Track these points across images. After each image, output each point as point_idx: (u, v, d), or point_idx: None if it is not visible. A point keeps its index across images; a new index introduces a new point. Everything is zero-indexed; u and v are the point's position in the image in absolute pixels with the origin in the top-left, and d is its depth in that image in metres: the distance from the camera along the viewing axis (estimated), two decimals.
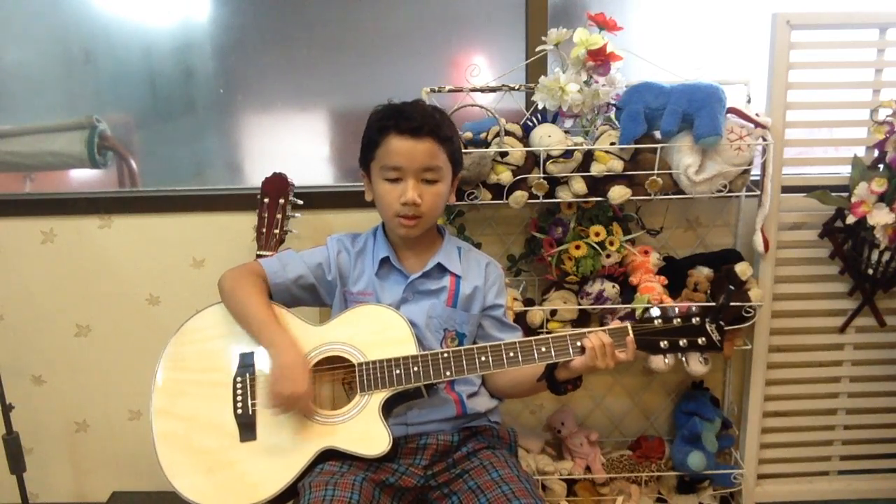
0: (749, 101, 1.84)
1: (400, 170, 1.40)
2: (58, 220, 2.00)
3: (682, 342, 1.28)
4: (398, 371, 1.34)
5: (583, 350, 1.29)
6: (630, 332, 1.29)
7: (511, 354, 1.32)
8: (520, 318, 1.86)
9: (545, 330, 1.87)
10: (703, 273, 1.86)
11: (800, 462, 2.13)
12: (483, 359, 1.33)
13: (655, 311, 1.30)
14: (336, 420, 1.35)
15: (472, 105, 1.82)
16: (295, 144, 2.09)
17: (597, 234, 1.81)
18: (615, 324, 1.32)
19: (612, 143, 1.76)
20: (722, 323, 1.28)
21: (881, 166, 1.80)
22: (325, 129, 2.10)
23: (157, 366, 1.43)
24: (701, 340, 1.28)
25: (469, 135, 1.77)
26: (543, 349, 1.31)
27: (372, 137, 1.43)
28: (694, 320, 1.28)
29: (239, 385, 1.39)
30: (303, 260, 1.50)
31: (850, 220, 1.78)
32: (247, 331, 1.42)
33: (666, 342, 1.28)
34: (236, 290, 1.44)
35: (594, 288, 1.86)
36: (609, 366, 1.28)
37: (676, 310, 1.30)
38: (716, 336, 1.28)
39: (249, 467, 1.34)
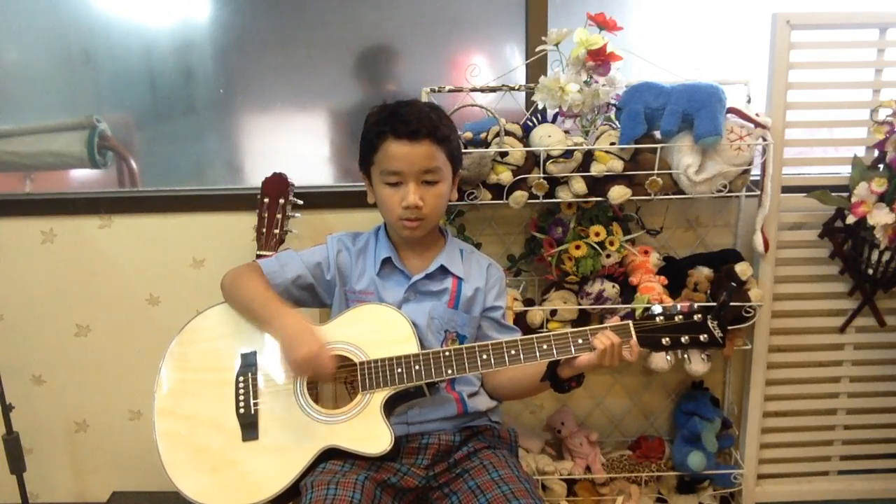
0: (749, 101, 1.85)
1: (399, 174, 1.40)
2: (58, 220, 2.00)
3: (684, 339, 1.28)
4: (400, 370, 1.34)
5: (586, 348, 1.29)
6: (632, 328, 1.29)
7: (513, 352, 1.32)
8: (520, 319, 1.87)
9: (545, 330, 1.86)
10: (703, 273, 1.86)
11: (800, 462, 2.13)
12: (485, 357, 1.33)
13: (658, 309, 1.30)
14: (338, 419, 1.35)
15: (472, 105, 1.82)
16: (295, 144, 2.09)
17: (597, 234, 1.81)
18: (615, 320, 1.31)
19: (612, 143, 1.76)
20: (724, 313, 1.27)
21: (881, 166, 1.81)
22: (325, 129, 2.10)
23: (160, 366, 1.43)
24: (703, 337, 1.28)
25: (469, 135, 1.77)
26: (545, 347, 1.31)
27: (370, 142, 1.43)
28: (696, 317, 1.28)
29: (241, 384, 1.39)
30: (302, 260, 1.50)
31: (850, 220, 1.79)
32: (251, 317, 1.42)
33: (668, 339, 1.28)
34: (237, 282, 1.45)
35: (594, 288, 1.86)
36: (614, 364, 1.29)
37: (679, 307, 1.30)
38: (718, 333, 1.27)
39: (252, 467, 1.34)
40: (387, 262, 1.49)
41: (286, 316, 1.36)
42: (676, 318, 1.28)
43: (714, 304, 1.32)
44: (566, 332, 1.31)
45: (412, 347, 1.36)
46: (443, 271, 1.49)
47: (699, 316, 1.28)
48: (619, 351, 1.28)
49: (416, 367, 1.34)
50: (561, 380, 1.36)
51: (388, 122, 1.40)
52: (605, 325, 1.31)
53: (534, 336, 1.32)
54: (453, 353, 1.33)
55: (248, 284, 1.43)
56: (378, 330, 1.39)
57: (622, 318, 1.31)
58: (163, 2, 1.97)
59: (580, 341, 1.30)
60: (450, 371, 1.33)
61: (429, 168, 1.40)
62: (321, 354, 1.31)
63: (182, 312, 1.47)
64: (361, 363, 1.36)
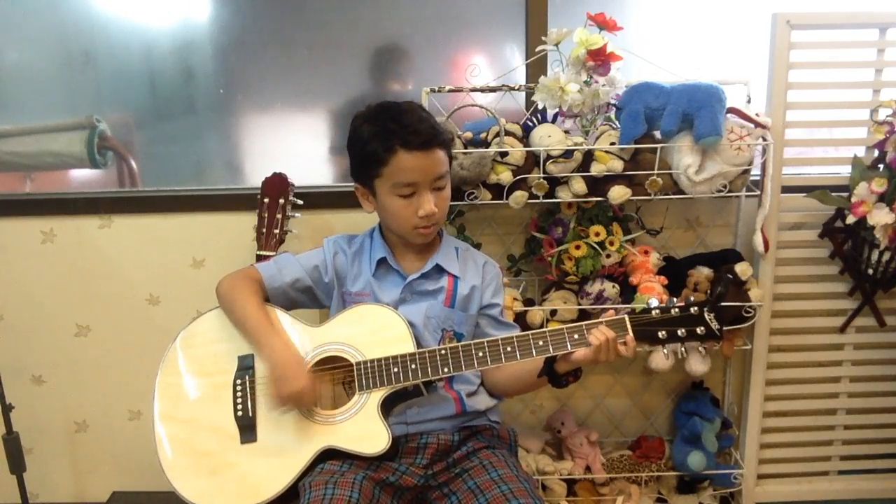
0: (749, 101, 1.84)
1: (414, 185, 1.39)
2: (58, 220, 2.00)
3: (681, 332, 1.26)
4: (396, 369, 1.34)
5: (582, 343, 1.28)
6: (628, 322, 1.28)
7: (508, 349, 1.32)
8: (520, 319, 1.86)
9: None
10: (703, 273, 1.86)
11: (800, 462, 2.13)
12: (481, 354, 1.33)
13: (654, 302, 1.29)
14: (335, 419, 1.35)
15: (472, 105, 1.82)
16: (295, 144, 2.09)
17: (597, 234, 1.81)
18: (610, 314, 1.31)
19: (612, 143, 1.76)
20: (720, 304, 1.26)
21: (881, 166, 1.80)
22: (325, 129, 2.10)
23: (159, 370, 1.43)
24: (700, 330, 1.26)
25: (469, 135, 1.77)
26: (541, 343, 1.30)
27: (374, 155, 1.38)
28: (692, 310, 1.27)
29: (238, 387, 1.39)
30: (299, 263, 1.50)
31: (850, 220, 1.78)
32: (243, 335, 1.42)
33: (664, 332, 1.27)
34: (232, 295, 1.44)
35: (594, 288, 1.86)
36: (610, 359, 1.28)
37: (674, 300, 1.29)
38: (714, 325, 1.26)
39: (250, 469, 1.34)
40: (382, 262, 1.49)
41: (275, 346, 1.36)
42: (672, 312, 1.28)
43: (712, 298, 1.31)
44: (562, 328, 1.30)
45: (408, 347, 1.36)
46: (438, 270, 1.49)
47: (696, 309, 1.27)
48: (615, 345, 1.27)
49: (413, 366, 1.34)
50: (558, 375, 1.35)
51: (397, 135, 1.36)
52: (601, 319, 1.30)
53: (529, 332, 1.32)
54: (449, 352, 1.33)
55: (243, 302, 1.42)
56: (374, 330, 1.39)
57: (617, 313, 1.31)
58: (163, 2, 1.97)
59: (576, 336, 1.29)
60: (446, 369, 1.33)
61: (441, 174, 1.41)
62: (305, 395, 1.32)
63: (182, 312, 1.47)
64: (358, 363, 1.36)
